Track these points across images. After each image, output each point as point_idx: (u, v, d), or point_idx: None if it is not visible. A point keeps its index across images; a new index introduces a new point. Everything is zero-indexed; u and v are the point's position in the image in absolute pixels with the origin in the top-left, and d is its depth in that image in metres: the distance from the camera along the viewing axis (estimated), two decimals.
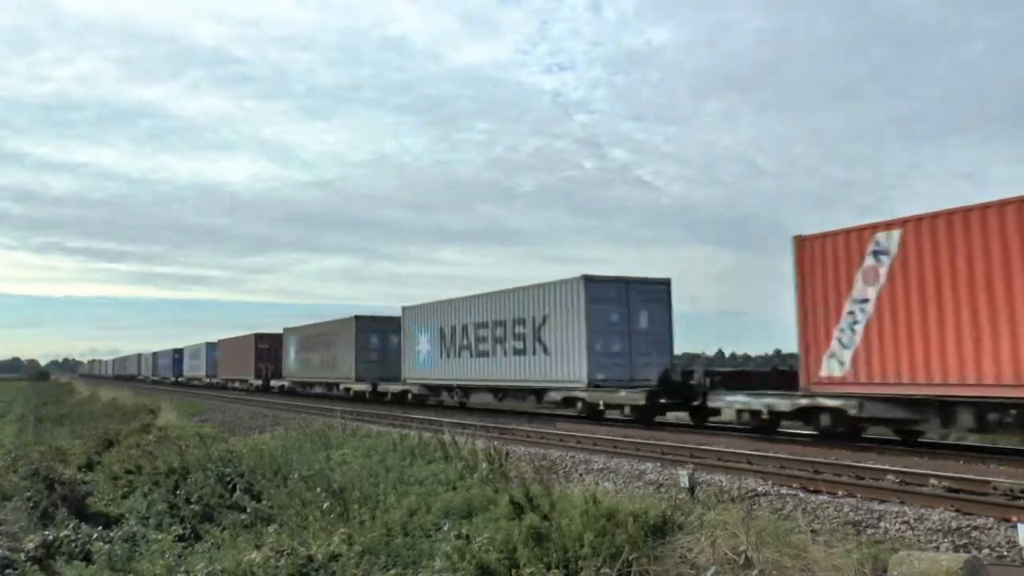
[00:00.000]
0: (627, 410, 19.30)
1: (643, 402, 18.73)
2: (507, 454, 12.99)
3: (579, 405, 20.88)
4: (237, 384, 53.30)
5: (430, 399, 29.59)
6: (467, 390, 26.83)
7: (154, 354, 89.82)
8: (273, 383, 46.25)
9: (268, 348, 47.51)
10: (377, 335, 34.66)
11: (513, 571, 7.15)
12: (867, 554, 6.43)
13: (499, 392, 24.71)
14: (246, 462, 13.54)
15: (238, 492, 11.66)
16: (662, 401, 19.10)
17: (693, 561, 7.13)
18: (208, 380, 62.18)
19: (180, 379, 73.47)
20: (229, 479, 12.27)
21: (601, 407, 20.44)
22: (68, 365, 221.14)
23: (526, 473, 11.22)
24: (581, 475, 12.43)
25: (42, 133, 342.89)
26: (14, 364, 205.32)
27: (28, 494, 11.33)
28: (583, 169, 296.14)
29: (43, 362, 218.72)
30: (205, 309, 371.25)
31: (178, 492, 11.88)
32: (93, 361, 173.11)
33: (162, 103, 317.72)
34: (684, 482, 10.16)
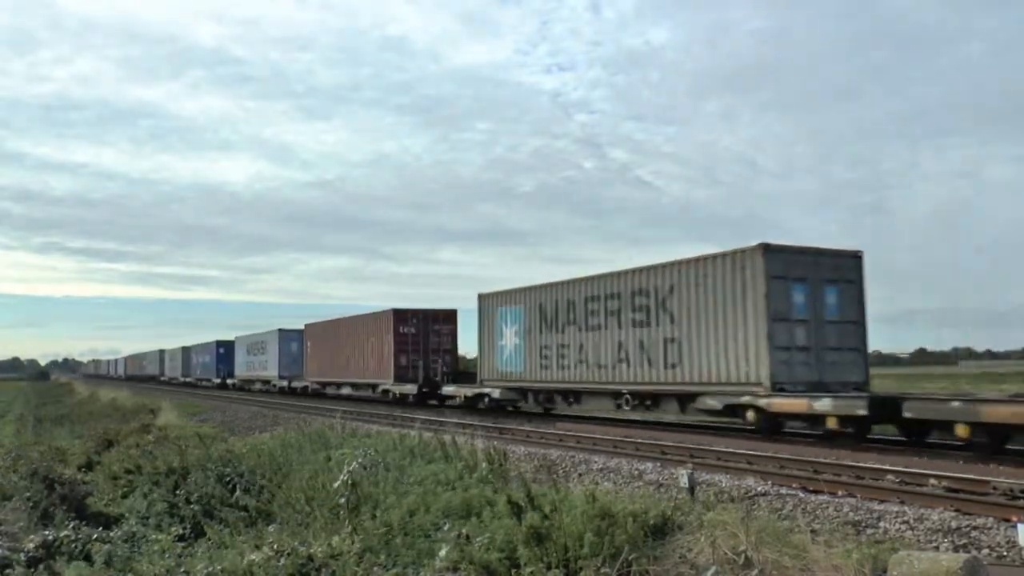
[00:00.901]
0: None
1: None
2: (506, 454, 12.99)
3: None
4: (348, 390, 36.13)
5: None
6: None
7: (184, 349, 71.54)
8: (450, 390, 28.47)
9: (416, 334, 31.63)
10: (799, 286, 16.56)
11: (513, 571, 7.15)
12: (867, 554, 6.42)
13: None
14: (246, 462, 13.55)
15: (238, 492, 11.66)
16: None
17: (693, 561, 7.13)
18: (283, 384, 44.66)
19: (230, 381, 56.34)
20: (229, 479, 12.26)
21: None
22: (68, 365, 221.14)
23: (526, 473, 11.21)
24: (581, 475, 12.44)
25: (42, 133, 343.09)
26: (14, 364, 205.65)
27: (28, 494, 11.31)
28: (583, 169, 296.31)
29: (43, 362, 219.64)
30: (205, 309, 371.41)
31: (178, 492, 11.86)
32: (97, 360, 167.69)
33: (162, 103, 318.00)
34: (684, 482, 10.17)
